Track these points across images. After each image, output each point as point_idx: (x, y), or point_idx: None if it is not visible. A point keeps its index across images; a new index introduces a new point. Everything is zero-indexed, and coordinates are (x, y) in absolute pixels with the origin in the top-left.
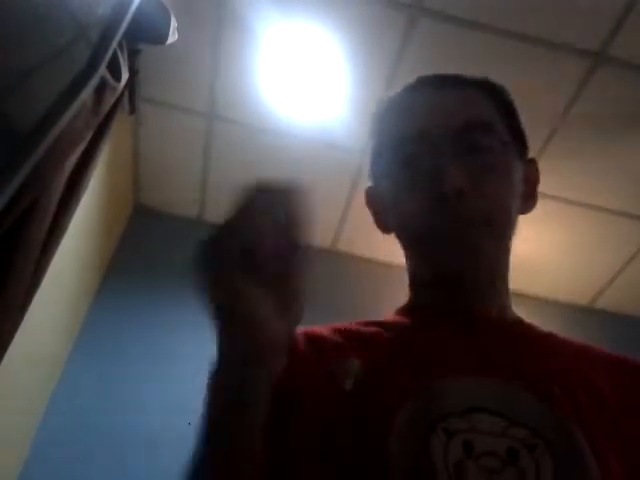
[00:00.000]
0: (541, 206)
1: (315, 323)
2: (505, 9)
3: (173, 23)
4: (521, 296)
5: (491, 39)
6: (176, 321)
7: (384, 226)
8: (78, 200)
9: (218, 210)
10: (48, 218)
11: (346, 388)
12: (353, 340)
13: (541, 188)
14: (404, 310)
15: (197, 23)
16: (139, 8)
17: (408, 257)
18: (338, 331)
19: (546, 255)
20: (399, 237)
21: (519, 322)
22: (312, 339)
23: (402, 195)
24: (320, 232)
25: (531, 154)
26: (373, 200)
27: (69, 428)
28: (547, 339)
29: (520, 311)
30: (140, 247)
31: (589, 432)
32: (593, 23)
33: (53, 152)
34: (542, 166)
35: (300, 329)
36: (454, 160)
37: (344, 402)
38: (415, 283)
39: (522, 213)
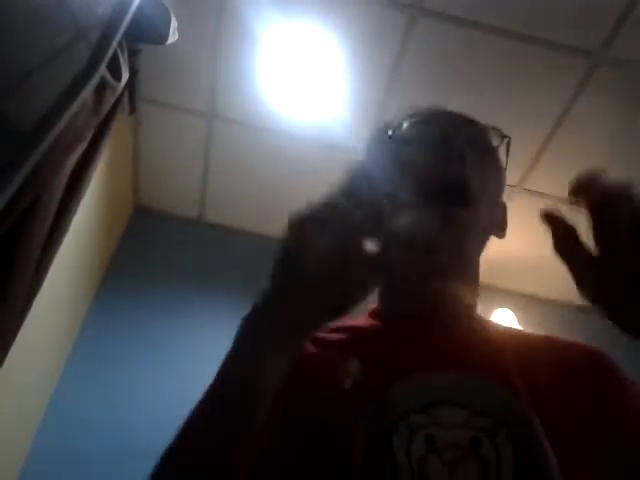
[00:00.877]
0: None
1: None
2: (505, 9)
3: (173, 23)
4: (521, 296)
5: (491, 39)
6: (176, 322)
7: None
8: (78, 200)
9: (218, 210)
10: (49, 218)
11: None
12: (327, 344)
13: (541, 188)
14: (374, 313)
15: (197, 23)
16: (139, 8)
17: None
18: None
19: (546, 255)
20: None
21: (479, 318)
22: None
23: (409, 157)
24: None
25: (531, 154)
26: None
27: (68, 430)
28: (506, 333)
29: (520, 311)
30: (140, 247)
31: (546, 419)
32: (593, 23)
33: (53, 152)
34: (542, 166)
35: None
36: (461, 139)
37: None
38: (386, 289)
39: (494, 232)
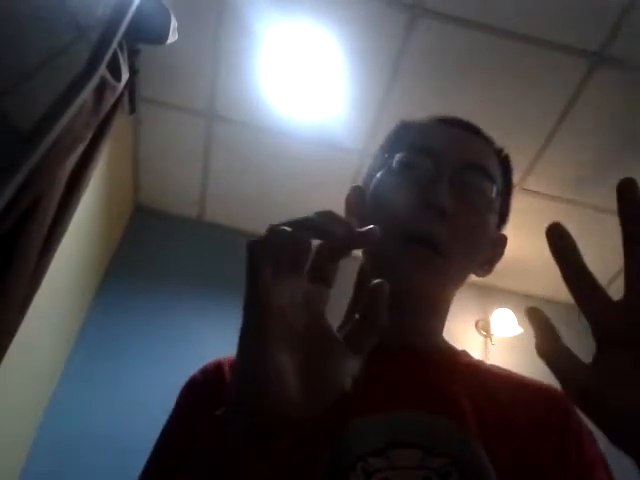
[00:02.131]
0: (541, 206)
1: None
2: (505, 9)
3: (173, 23)
4: (521, 296)
5: (491, 39)
6: (176, 321)
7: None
8: (78, 200)
9: (218, 210)
10: (48, 218)
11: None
12: None
13: (541, 188)
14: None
15: (197, 23)
16: (139, 8)
17: (361, 266)
18: None
19: (546, 255)
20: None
21: (445, 350)
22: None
23: (392, 193)
24: None
25: (531, 154)
26: (353, 197)
27: (69, 429)
28: (470, 367)
29: (521, 312)
30: (140, 247)
31: (500, 460)
32: (593, 23)
33: (53, 152)
34: (542, 166)
35: (225, 358)
36: (449, 184)
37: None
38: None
39: (474, 273)
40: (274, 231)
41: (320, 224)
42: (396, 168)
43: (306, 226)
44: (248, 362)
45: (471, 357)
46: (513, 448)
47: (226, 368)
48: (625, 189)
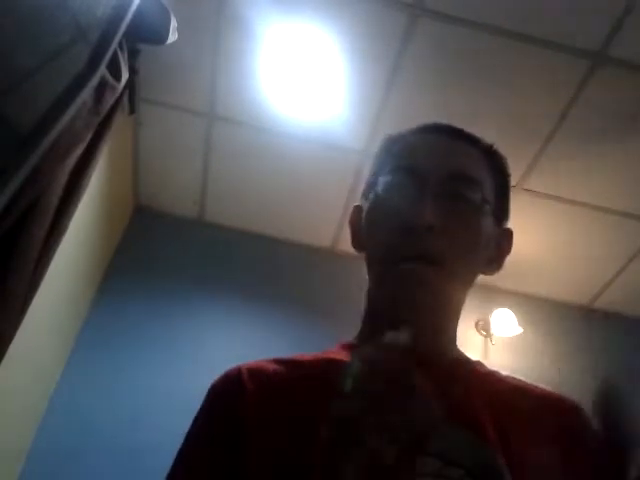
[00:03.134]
0: (541, 206)
1: (315, 323)
2: (505, 9)
3: (173, 23)
4: (521, 296)
5: (491, 39)
6: (176, 321)
7: (358, 245)
8: (78, 200)
9: (218, 210)
10: (48, 218)
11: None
12: (302, 378)
13: (541, 188)
14: (351, 347)
15: (197, 23)
16: (139, 8)
17: (368, 288)
18: (281, 363)
19: (546, 255)
20: (366, 259)
21: (462, 361)
22: (256, 374)
23: (381, 218)
24: (320, 232)
25: (531, 154)
26: (355, 218)
27: (69, 428)
28: (483, 377)
29: (521, 312)
30: (140, 247)
31: (517, 470)
32: (593, 23)
33: (53, 152)
34: (542, 166)
35: (245, 365)
36: (433, 200)
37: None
38: (367, 317)
39: (483, 273)
40: None
41: None
42: (382, 192)
43: None
44: None
45: (486, 367)
46: (533, 461)
47: (245, 376)
48: None
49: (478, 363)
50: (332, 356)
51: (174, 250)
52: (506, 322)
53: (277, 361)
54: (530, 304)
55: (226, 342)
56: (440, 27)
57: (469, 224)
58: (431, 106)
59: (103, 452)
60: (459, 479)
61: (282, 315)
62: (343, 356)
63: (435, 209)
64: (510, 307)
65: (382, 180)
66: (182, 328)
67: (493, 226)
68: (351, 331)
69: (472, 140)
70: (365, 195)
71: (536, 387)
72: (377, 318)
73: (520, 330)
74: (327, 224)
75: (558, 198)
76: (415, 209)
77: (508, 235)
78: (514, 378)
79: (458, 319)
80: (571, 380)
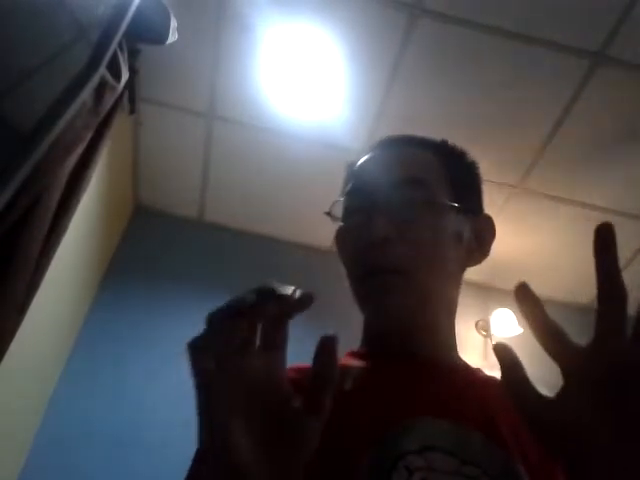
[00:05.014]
0: (541, 206)
1: (315, 323)
2: (505, 9)
3: (173, 23)
4: None
5: (491, 39)
6: (176, 321)
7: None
8: (78, 200)
9: (218, 210)
10: (48, 218)
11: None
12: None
13: (541, 188)
14: (358, 355)
15: (197, 23)
16: (139, 8)
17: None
18: (298, 371)
19: (546, 255)
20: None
21: (464, 367)
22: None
23: (344, 243)
24: (320, 232)
25: (531, 154)
26: (336, 241)
27: (69, 429)
28: (490, 382)
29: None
30: (140, 247)
31: (531, 469)
32: (593, 23)
33: (53, 152)
34: (542, 166)
35: None
36: (384, 212)
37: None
38: (366, 329)
39: (468, 265)
40: (208, 323)
41: (251, 303)
42: (342, 219)
43: (238, 309)
44: (210, 441)
45: (486, 373)
46: (547, 459)
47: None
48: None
49: (478, 370)
50: (347, 362)
51: (174, 250)
52: (506, 322)
53: (295, 369)
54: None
55: None
56: (440, 27)
57: (425, 226)
58: (431, 106)
59: (103, 451)
60: (476, 477)
61: None
62: (351, 364)
63: (387, 220)
64: (510, 307)
65: (339, 206)
66: (182, 328)
67: (460, 220)
68: (351, 331)
69: (421, 144)
70: (333, 222)
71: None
72: (371, 330)
73: (520, 330)
74: (327, 224)
75: (558, 198)
76: (368, 226)
77: (486, 222)
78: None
79: (453, 319)
80: None
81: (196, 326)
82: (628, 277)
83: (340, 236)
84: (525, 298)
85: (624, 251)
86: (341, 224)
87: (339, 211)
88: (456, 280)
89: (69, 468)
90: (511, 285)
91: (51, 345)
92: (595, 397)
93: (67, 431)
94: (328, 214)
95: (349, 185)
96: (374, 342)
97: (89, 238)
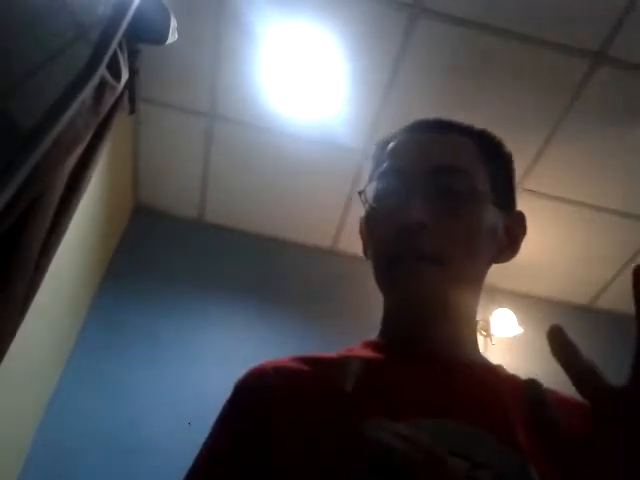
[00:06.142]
0: (541, 206)
1: (315, 323)
2: (505, 9)
3: (173, 23)
4: (521, 296)
5: (491, 39)
6: (176, 321)
7: (366, 254)
8: (78, 200)
9: (218, 210)
10: (48, 218)
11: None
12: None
13: (541, 188)
14: (374, 345)
15: (197, 23)
16: (139, 8)
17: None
18: (304, 361)
19: (546, 255)
20: (373, 268)
21: (483, 365)
22: (281, 371)
23: (375, 224)
24: (320, 232)
25: (531, 154)
26: (361, 228)
27: (69, 428)
28: (510, 381)
29: (521, 312)
30: (140, 247)
31: (545, 472)
32: (593, 23)
33: (53, 152)
34: (542, 166)
35: (269, 362)
36: (422, 198)
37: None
38: (386, 318)
39: (496, 262)
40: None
41: None
42: (373, 199)
43: None
44: None
45: (507, 371)
46: (562, 468)
47: (270, 373)
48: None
49: (500, 367)
50: (355, 354)
51: (174, 250)
52: (506, 322)
53: (300, 359)
54: (530, 304)
55: (226, 342)
56: (440, 27)
57: (464, 217)
58: (431, 106)
59: (103, 452)
60: None
61: (282, 315)
62: (365, 354)
63: (425, 207)
64: (510, 307)
65: (372, 187)
66: (182, 328)
67: (496, 213)
68: (351, 331)
69: (461, 130)
70: (363, 204)
71: (566, 395)
72: (391, 319)
73: (520, 330)
74: (327, 224)
75: (558, 198)
76: (404, 209)
77: (519, 218)
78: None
79: (475, 315)
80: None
81: (195, 325)
82: (628, 276)
83: (370, 217)
84: (558, 341)
85: (624, 251)
86: (372, 205)
87: (370, 193)
88: (483, 275)
89: (69, 468)
90: (511, 285)
91: (51, 345)
92: (625, 438)
93: (67, 431)
94: (361, 193)
95: (384, 165)
96: (392, 333)
97: (89, 238)
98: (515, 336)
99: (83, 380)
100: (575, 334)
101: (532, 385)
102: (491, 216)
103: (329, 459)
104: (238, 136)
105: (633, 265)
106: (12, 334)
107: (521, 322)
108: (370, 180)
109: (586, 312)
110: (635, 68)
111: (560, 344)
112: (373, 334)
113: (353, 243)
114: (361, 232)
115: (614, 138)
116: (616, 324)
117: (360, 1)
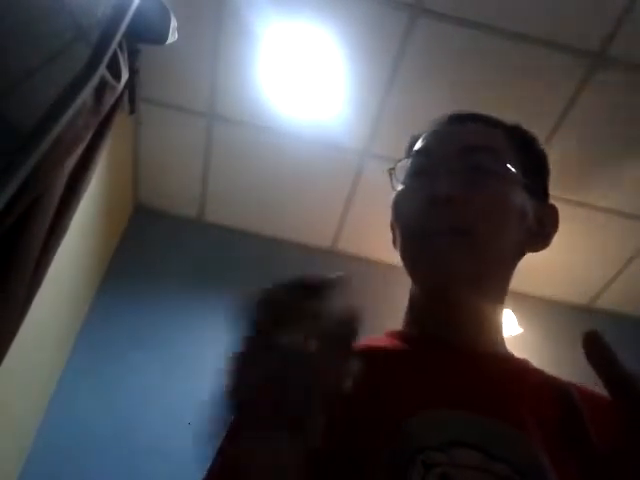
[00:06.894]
0: None
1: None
2: (505, 9)
3: (173, 23)
4: (521, 296)
5: (491, 39)
6: (176, 322)
7: (395, 244)
8: (78, 200)
9: (218, 210)
10: (48, 218)
11: (346, 390)
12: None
13: None
14: (396, 335)
15: (197, 23)
16: (139, 8)
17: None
18: None
19: (546, 255)
20: (400, 251)
21: (506, 356)
22: None
23: (404, 202)
24: (320, 232)
25: None
26: (392, 221)
27: (68, 429)
28: (532, 376)
29: (521, 312)
30: (140, 247)
31: (561, 469)
32: (593, 23)
33: (53, 152)
34: None
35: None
36: (451, 173)
37: (362, 428)
38: (411, 305)
39: (527, 248)
40: (272, 292)
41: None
42: (404, 180)
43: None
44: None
45: (532, 365)
46: (579, 462)
47: None
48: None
49: (525, 361)
50: (376, 344)
51: (174, 250)
52: (506, 322)
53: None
54: (530, 304)
55: (226, 341)
56: (440, 27)
57: (493, 192)
58: (431, 106)
59: (102, 453)
60: (502, 472)
61: None
62: (387, 344)
63: (453, 181)
64: (510, 307)
65: (407, 169)
66: (182, 328)
67: (527, 199)
68: None
69: (493, 122)
70: (393, 186)
71: (591, 390)
72: (416, 308)
73: (520, 330)
74: (327, 224)
75: (558, 198)
76: (432, 184)
77: (552, 211)
78: (560, 379)
79: (502, 305)
80: (571, 380)
81: (195, 325)
82: (628, 276)
83: (400, 196)
84: (595, 347)
85: (624, 251)
86: (402, 186)
87: (400, 174)
88: (513, 262)
89: (68, 469)
90: (511, 285)
91: (51, 345)
92: None
93: (67, 432)
94: (391, 171)
95: (416, 146)
96: (418, 320)
97: (89, 238)
98: (515, 336)
99: (83, 380)
100: (575, 334)
101: (565, 396)
102: (520, 198)
103: (364, 454)
104: (238, 136)
105: (633, 265)
106: (12, 334)
107: (521, 322)
108: (401, 159)
109: (586, 312)
110: (635, 68)
111: (597, 351)
112: (373, 334)
113: (353, 243)
114: (391, 223)
115: (614, 138)
116: (616, 324)
117: (360, 1)
